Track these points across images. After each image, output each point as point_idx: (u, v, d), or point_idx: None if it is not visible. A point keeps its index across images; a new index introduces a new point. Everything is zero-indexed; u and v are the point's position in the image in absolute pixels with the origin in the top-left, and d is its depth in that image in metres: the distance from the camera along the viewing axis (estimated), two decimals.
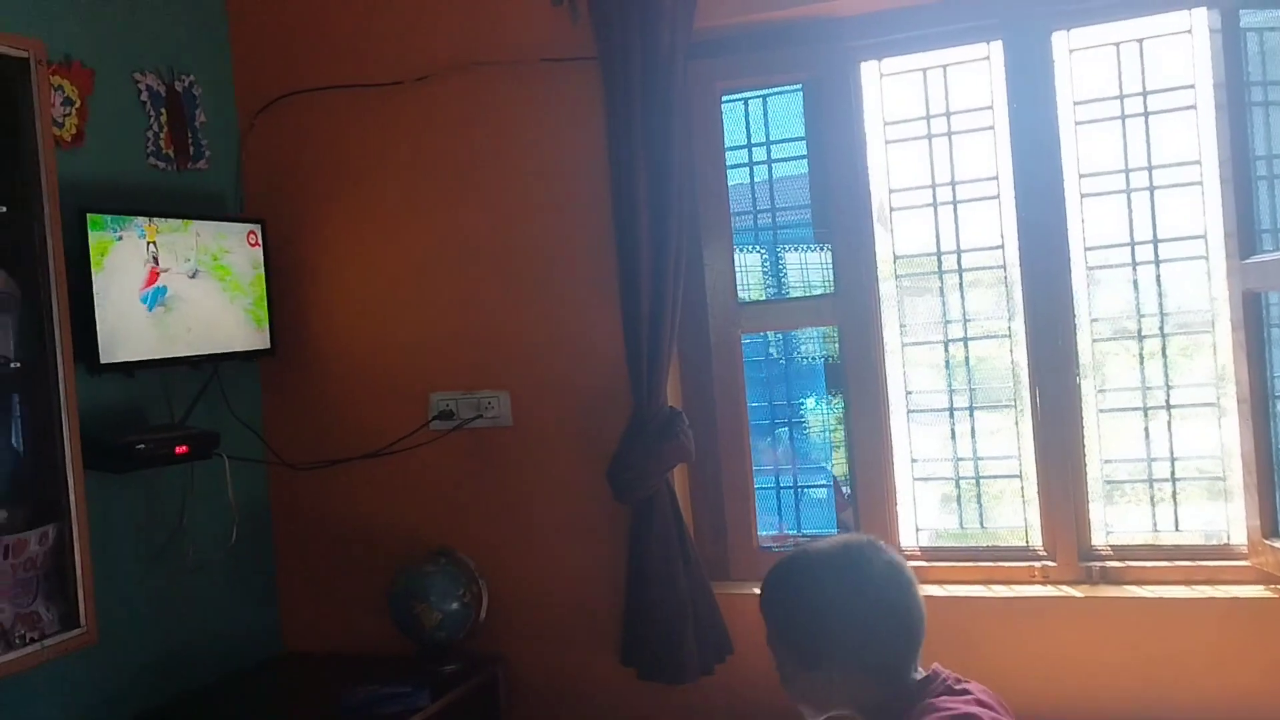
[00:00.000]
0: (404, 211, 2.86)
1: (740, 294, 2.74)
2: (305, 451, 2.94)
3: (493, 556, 2.76)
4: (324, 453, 2.92)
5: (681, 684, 2.55)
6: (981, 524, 2.66)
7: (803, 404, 2.87)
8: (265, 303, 2.81)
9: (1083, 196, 2.53)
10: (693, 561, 2.59)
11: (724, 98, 2.73)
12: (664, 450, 2.55)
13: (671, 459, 2.57)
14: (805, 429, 2.87)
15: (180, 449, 2.52)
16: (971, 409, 2.66)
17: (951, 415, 2.67)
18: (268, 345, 2.82)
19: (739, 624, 2.60)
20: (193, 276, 2.62)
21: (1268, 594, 2.34)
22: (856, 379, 2.64)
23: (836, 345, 2.70)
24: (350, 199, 2.91)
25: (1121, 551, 2.53)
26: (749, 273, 2.81)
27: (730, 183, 2.72)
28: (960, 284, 2.65)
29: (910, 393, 2.68)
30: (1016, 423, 2.63)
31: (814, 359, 2.82)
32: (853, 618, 1.54)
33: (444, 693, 2.51)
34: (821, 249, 2.71)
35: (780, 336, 2.88)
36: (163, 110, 2.72)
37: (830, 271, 2.66)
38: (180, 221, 2.60)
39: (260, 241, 2.81)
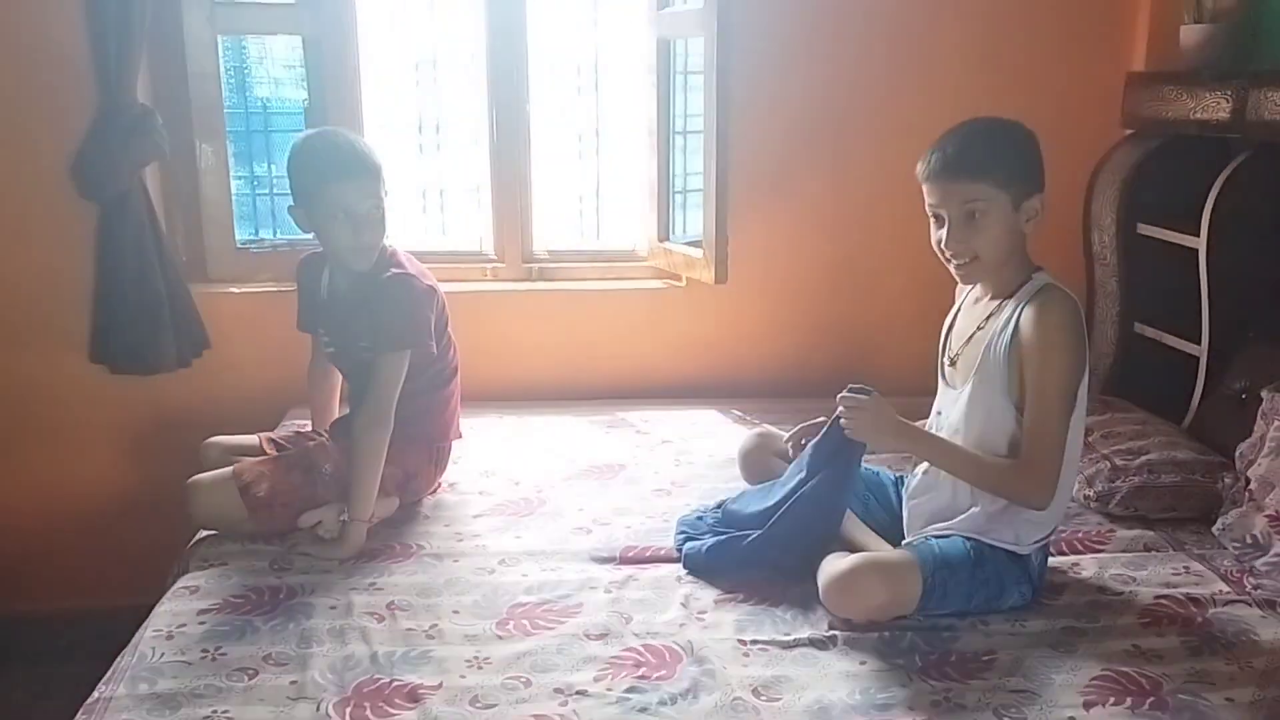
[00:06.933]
0: None
1: None
2: None
3: None
4: None
5: (158, 374, 2.63)
6: (443, 231, 3.01)
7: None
8: None
9: None
10: (168, 261, 2.64)
11: None
12: (135, 147, 2.53)
13: (143, 156, 2.57)
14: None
15: None
16: (437, 128, 2.96)
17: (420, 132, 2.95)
18: None
19: (216, 321, 2.72)
20: None
21: (661, 285, 2.99)
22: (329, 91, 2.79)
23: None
24: None
25: (556, 255, 3.04)
26: None
27: None
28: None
29: None
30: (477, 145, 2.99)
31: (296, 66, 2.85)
32: None
33: None
34: None
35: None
36: None
37: None
38: None
39: None
